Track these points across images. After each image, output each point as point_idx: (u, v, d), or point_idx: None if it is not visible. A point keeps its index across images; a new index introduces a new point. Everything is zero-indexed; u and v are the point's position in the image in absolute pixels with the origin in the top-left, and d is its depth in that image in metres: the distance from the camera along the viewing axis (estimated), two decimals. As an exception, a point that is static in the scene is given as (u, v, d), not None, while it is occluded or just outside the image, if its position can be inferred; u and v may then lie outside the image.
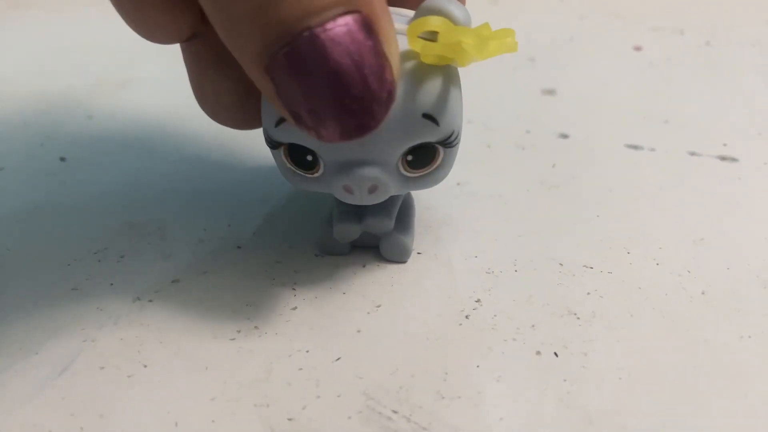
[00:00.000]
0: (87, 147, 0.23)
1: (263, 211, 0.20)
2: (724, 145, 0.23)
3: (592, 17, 0.35)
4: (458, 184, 0.21)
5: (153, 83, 0.28)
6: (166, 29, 0.15)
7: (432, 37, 0.13)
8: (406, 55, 0.14)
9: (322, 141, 0.13)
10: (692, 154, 0.23)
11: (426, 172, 0.15)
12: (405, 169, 0.15)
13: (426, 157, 0.15)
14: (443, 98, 0.14)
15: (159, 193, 0.21)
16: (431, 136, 0.14)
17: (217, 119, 0.17)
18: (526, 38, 0.32)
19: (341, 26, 0.11)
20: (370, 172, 0.15)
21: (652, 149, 0.23)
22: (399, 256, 0.18)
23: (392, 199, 0.17)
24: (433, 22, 0.13)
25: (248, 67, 0.12)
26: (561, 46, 0.32)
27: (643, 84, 0.28)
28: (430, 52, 0.13)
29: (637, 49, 0.31)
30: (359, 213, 0.17)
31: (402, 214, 0.18)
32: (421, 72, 0.14)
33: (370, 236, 0.17)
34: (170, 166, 0.22)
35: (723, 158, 0.22)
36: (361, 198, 0.15)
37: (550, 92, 0.27)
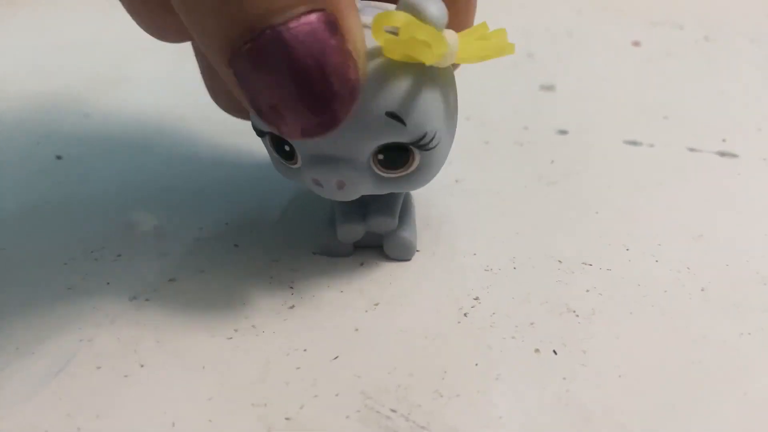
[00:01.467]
0: (83, 145, 0.23)
1: (261, 209, 0.20)
2: (724, 140, 0.23)
3: (590, 12, 0.35)
4: (456, 181, 0.21)
5: (150, 81, 0.28)
6: (176, 31, 0.15)
7: (397, 31, 0.13)
8: (376, 52, 0.13)
9: (284, 137, 0.13)
10: (691, 149, 0.23)
11: (402, 173, 0.15)
12: (378, 169, 0.15)
13: (397, 158, 0.15)
14: (411, 97, 0.14)
15: (155, 191, 0.20)
16: (399, 137, 0.14)
17: (228, 112, 0.17)
18: (525, 34, 0.32)
19: (304, 25, 0.11)
20: (336, 167, 0.14)
21: (651, 145, 0.23)
22: (404, 254, 0.18)
23: (394, 198, 0.17)
24: (397, 17, 0.13)
25: (213, 60, 0.12)
26: (559, 41, 0.32)
27: (642, 79, 0.28)
28: (393, 48, 0.13)
29: (636, 44, 0.31)
30: (362, 213, 0.17)
31: (403, 211, 0.18)
32: (389, 69, 0.13)
33: (372, 236, 0.17)
34: (167, 164, 0.22)
35: (722, 154, 0.22)
36: (329, 193, 0.15)
37: (549, 88, 0.27)
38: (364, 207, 0.17)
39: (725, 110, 0.25)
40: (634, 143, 0.23)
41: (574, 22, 0.34)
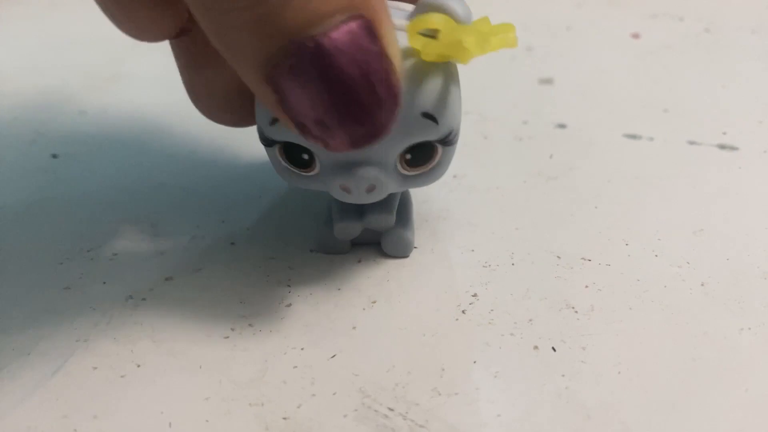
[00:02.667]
0: (79, 143, 0.23)
1: (257, 206, 0.20)
2: (724, 133, 0.23)
3: (589, 5, 0.34)
4: (455, 176, 0.21)
5: (146, 77, 0.27)
6: (153, 28, 0.15)
7: (432, 34, 0.13)
8: (405, 53, 0.13)
9: (330, 151, 0.12)
10: (691, 143, 0.22)
11: (424, 170, 0.15)
12: (403, 168, 0.15)
13: (424, 156, 0.15)
14: (443, 97, 0.14)
15: (152, 189, 0.20)
16: (430, 135, 0.14)
17: (210, 117, 0.17)
18: (523, 27, 0.32)
19: (345, 33, 0.11)
20: (369, 172, 0.14)
21: (651, 138, 0.23)
22: (401, 251, 0.17)
23: (392, 195, 0.17)
24: (435, 20, 0.13)
25: (247, 77, 0.12)
26: (558, 34, 0.31)
27: (642, 72, 0.28)
28: (431, 51, 0.13)
29: (635, 36, 0.31)
30: (359, 210, 0.17)
31: (401, 208, 0.18)
32: (421, 70, 0.14)
33: (370, 233, 0.17)
34: (163, 162, 0.22)
35: (723, 147, 0.22)
36: (358, 197, 0.15)
37: (548, 81, 0.27)
38: (362, 204, 0.17)
39: (725, 103, 0.25)
40: (633, 137, 0.23)
41: (573, 14, 0.33)
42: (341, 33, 0.11)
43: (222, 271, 0.17)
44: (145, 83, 0.27)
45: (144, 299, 0.16)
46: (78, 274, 0.17)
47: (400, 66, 0.12)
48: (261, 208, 0.19)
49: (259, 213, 0.19)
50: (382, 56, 0.12)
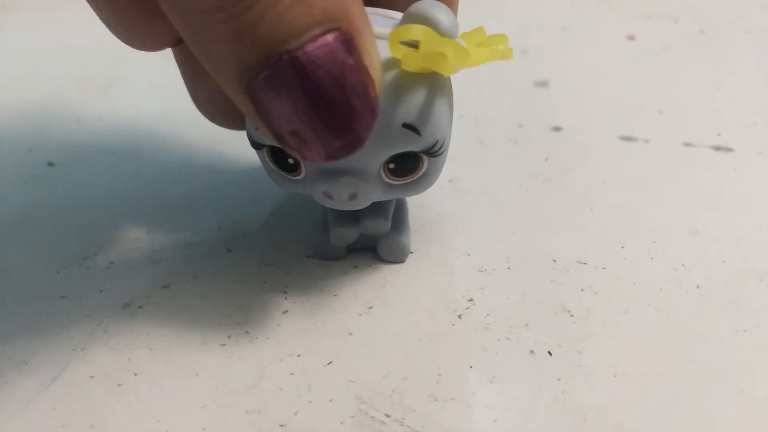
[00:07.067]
0: (75, 151, 0.23)
1: (254, 213, 0.20)
2: (719, 134, 0.23)
3: (584, 6, 0.35)
4: (450, 180, 0.21)
5: (141, 84, 0.27)
6: (151, 38, 0.15)
7: (415, 44, 0.13)
8: (388, 63, 0.13)
9: (306, 161, 0.12)
10: (687, 144, 0.23)
11: (410, 180, 0.15)
12: (387, 177, 0.15)
13: (409, 166, 0.15)
14: (426, 108, 0.14)
15: (148, 196, 0.20)
16: (413, 146, 0.14)
17: (213, 120, 0.17)
18: (519, 29, 0.32)
19: (321, 47, 0.11)
20: (349, 179, 0.14)
21: (646, 140, 0.23)
22: (398, 257, 0.17)
23: (387, 200, 0.17)
24: (415, 31, 0.12)
25: (226, 87, 0.12)
26: (553, 36, 0.32)
27: (637, 74, 0.28)
28: (412, 61, 0.13)
29: (631, 38, 0.31)
30: (355, 215, 0.17)
31: (396, 213, 0.18)
32: (403, 81, 0.13)
33: (366, 238, 0.17)
34: (159, 169, 0.22)
35: (718, 148, 0.22)
36: (340, 204, 0.15)
37: (543, 84, 0.27)
38: (357, 209, 0.17)
39: (720, 104, 0.25)
40: (629, 139, 0.23)
41: (568, 16, 0.34)
42: (317, 46, 0.11)
43: (218, 278, 0.17)
44: (140, 90, 0.27)
45: (141, 307, 0.16)
46: (74, 283, 0.17)
47: (379, 77, 0.12)
48: (257, 215, 0.19)
49: (255, 219, 0.19)
50: (359, 69, 0.12)
